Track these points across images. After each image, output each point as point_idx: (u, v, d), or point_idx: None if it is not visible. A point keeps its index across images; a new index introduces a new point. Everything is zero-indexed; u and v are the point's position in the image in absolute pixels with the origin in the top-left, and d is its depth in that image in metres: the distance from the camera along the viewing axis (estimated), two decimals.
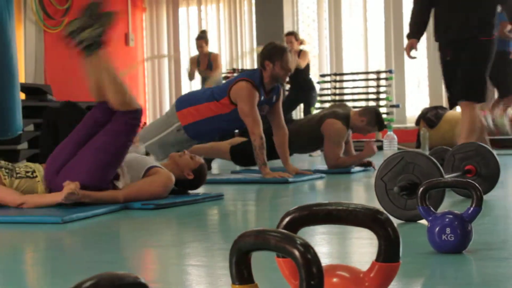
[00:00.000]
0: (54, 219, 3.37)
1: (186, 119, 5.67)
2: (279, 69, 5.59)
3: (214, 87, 6.07)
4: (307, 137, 6.36)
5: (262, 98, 5.60)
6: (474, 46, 5.14)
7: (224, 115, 5.62)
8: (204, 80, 10.18)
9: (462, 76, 5.11)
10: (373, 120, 6.38)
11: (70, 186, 3.67)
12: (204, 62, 10.23)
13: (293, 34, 9.87)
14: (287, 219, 1.21)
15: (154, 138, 5.73)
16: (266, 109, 5.69)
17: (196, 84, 11.27)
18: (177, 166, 4.34)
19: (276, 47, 5.68)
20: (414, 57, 5.55)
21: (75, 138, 3.95)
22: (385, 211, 3.02)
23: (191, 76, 10.48)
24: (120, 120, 3.93)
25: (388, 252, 1.17)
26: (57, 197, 3.71)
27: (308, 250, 1.00)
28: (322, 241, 2.74)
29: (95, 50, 3.92)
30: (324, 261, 2.32)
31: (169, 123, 5.76)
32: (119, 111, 3.93)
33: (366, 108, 6.67)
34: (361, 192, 5.02)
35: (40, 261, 2.62)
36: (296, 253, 1.00)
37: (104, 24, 3.92)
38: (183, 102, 5.83)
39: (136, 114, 3.97)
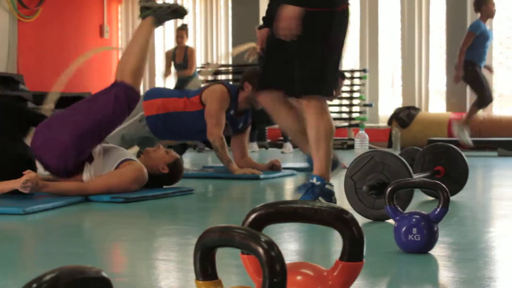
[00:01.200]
0: (16, 210, 3.34)
1: (150, 109, 5.59)
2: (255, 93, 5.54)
3: (187, 90, 6.05)
4: None
5: (232, 112, 5.57)
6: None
7: (188, 113, 5.54)
8: (180, 82, 10.09)
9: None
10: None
11: (29, 174, 3.64)
12: (180, 56, 10.19)
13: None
14: (252, 216, 1.22)
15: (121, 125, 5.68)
16: (229, 130, 5.64)
17: (170, 84, 11.22)
18: (151, 160, 4.31)
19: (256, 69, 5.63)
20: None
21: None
22: (350, 211, 3.05)
23: (166, 72, 10.41)
24: (112, 92, 4.04)
25: (352, 251, 1.18)
26: (15, 184, 3.68)
27: (272, 248, 1.01)
28: (290, 238, 2.75)
29: (149, 16, 4.27)
30: (292, 258, 2.33)
31: (133, 112, 5.69)
32: (117, 82, 4.08)
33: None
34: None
35: (0, 253, 2.60)
36: (260, 250, 1.00)
37: (175, 11, 4.37)
38: (152, 93, 5.80)
39: (130, 92, 4.07)
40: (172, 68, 10.41)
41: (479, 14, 8.46)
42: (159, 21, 4.36)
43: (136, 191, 4.07)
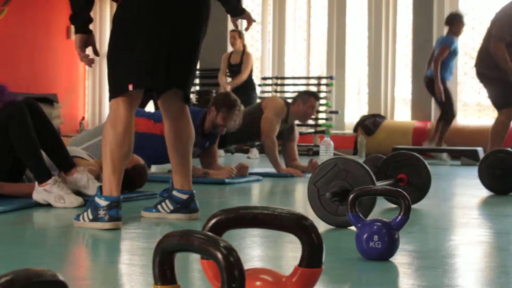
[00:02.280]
0: None
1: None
2: (220, 119, 5.53)
3: (155, 112, 6.01)
4: (249, 118, 6.25)
5: (199, 136, 5.56)
6: None
7: (154, 136, 5.53)
8: None
9: None
10: (305, 96, 6.43)
11: None
12: None
13: (236, 31, 9.89)
14: (213, 221, 1.22)
15: (85, 143, 5.62)
16: (197, 152, 5.63)
17: None
18: None
19: (229, 100, 5.59)
20: None
21: None
22: (312, 217, 3.05)
23: None
24: None
25: (311, 257, 1.19)
26: None
27: (231, 253, 1.01)
28: (252, 243, 2.75)
29: None
30: (253, 264, 2.33)
31: (102, 130, 5.66)
32: None
33: (299, 94, 6.65)
34: (295, 196, 5.05)
35: None
36: (219, 255, 1.01)
37: None
38: None
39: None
40: None
41: (446, 28, 8.62)
42: None
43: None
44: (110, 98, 3.21)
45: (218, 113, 5.54)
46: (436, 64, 8.40)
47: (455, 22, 8.53)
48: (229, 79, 9.78)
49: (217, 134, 5.75)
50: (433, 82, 8.47)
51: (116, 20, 3.26)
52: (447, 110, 8.60)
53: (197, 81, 11.68)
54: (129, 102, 3.17)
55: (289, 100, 6.63)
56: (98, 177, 4.18)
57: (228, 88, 9.53)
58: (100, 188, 3.14)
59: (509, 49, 6.50)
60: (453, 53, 8.54)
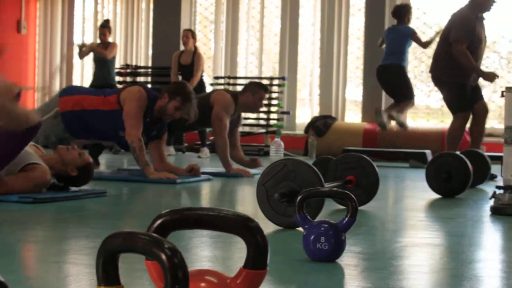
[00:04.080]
0: None
1: (65, 105, 5.49)
2: (171, 108, 5.49)
3: (107, 90, 5.96)
4: (199, 109, 6.22)
5: (147, 119, 5.54)
6: None
7: (103, 112, 5.45)
8: (98, 62, 10.01)
9: None
10: (254, 88, 6.43)
11: None
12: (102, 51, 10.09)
13: (190, 31, 9.85)
14: (158, 222, 1.22)
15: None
16: (143, 139, 5.55)
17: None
18: (62, 160, 4.23)
19: (184, 91, 5.53)
20: None
21: None
22: (261, 218, 3.06)
23: (82, 54, 10.25)
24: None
25: (256, 259, 1.19)
26: None
27: (175, 254, 1.01)
28: (200, 244, 2.75)
29: None
30: (200, 265, 2.33)
31: (48, 108, 5.59)
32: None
33: (248, 84, 6.64)
34: (245, 196, 5.06)
35: None
36: (163, 256, 1.01)
37: None
38: (69, 90, 5.74)
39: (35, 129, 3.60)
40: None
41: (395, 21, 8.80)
42: None
43: (45, 192, 4.00)
44: None
45: (170, 101, 5.49)
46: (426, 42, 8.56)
47: (406, 13, 8.69)
48: (180, 78, 9.74)
49: (164, 123, 5.70)
50: (387, 70, 8.49)
51: None
52: (405, 93, 8.63)
53: (149, 79, 11.62)
54: None
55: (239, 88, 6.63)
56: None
57: None
58: None
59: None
60: (410, 42, 8.67)
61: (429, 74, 7.19)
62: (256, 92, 6.37)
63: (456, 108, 6.83)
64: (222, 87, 11.12)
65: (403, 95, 8.48)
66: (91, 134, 5.67)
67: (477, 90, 6.86)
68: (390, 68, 8.49)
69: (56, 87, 12.91)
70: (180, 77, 9.71)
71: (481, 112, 6.80)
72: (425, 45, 8.55)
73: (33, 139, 3.78)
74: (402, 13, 8.68)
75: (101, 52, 9.85)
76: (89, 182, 4.42)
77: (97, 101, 5.50)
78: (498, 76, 6.83)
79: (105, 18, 12.55)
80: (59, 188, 4.24)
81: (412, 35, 8.49)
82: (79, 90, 5.77)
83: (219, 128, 6.23)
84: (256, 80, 7.47)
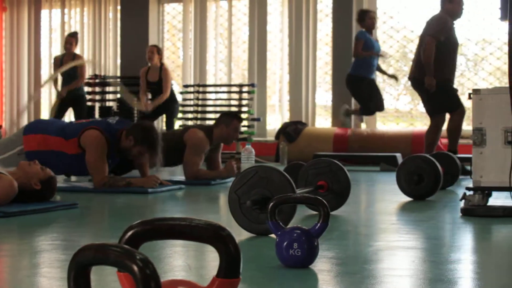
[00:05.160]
0: None
1: (30, 144, 5.48)
2: (136, 152, 5.50)
3: (67, 124, 5.89)
4: (172, 147, 6.25)
5: (110, 161, 5.57)
6: None
7: (67, 155, 5.47)
8: (65, 75, 9.91)
9: None
10: (227, 119, 6.43)
11: None
12: (67, 62, 10.01)
13: (155, 47, 9.82)
14: (129, 233, 1.21)
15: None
16: (110, 165, 5.58)
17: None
18: (25, 174, 4.18)
19: (151, 140, 5.49)
20: None
21: None
22: (233, 226, 3.06)
23: (60, 95, 10.16)
24: None
25: (229, 268, 1.19)
26: None
27: (147, 266, 1.01)
28: (173, 253, 2.73)
29: None
30: (173, 274, 2.32)
31: (13, 145, 5.56)
32: None
33: (221, 116, 6.65)
34: (217, 204, 5.05)
35: None
36: (135, 268, 1.00)
37: None
38: (32, 128, 5.65)
39: None
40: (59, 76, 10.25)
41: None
42: None
43: (12, 205, 3.96)
44: None
45: (136, 145, 5.47)
46: (357, 55, 8.70)
47: (364, 17, 8.86)
48: (149, 95, 9.72)
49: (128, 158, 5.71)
50: (352, 78, 8.66)
51: None
52: (368, 105, 8.73)
53: (118, 89, 11.57)
54: None
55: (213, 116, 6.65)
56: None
57: (149, 108, 9.44)
58: None
59: (446, 58, 6.76)
60: (371, 48, 8.75)
61: (398, 77, 7.30)
62: (229, 123, 6.38)
63: (431, 111, 6.95)
64: (191, 95, 11.10)
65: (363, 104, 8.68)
66: (57, 172, 5.65)
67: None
68: (350, 76, 8.75)
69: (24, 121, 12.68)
70: (149, 94, 9.69)
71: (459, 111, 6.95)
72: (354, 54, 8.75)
73: None
74: (358, 19, 8.91)
75: (69, 64, 9.78)
76: (61, 192, 4.38)
77: (61, 142, 5.48)
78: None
79: (73, 28, 12.49)
80: (19, 201, 4.16)
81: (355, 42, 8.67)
82: (43, 127, 5.65)
83: (190, 172, 6.27)
84: (227, 111, 7.44)
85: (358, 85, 8.84)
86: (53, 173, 4.36)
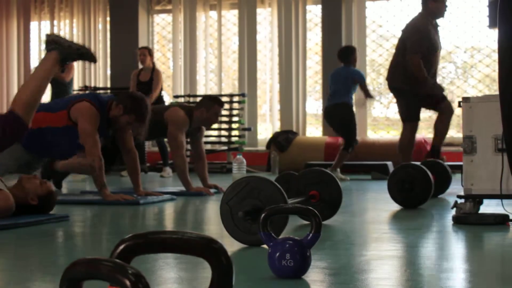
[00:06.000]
0: None
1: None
2: (124, 121, 5.48)
3: (54, 100, 5.90)
4: (152, 123, 6.26)
5: (110, 132, 5.56)
6: None
7: (57, 128, 5.42)
8: (55, 85, 9.84)
9: None
10: (209, 103, 6.46)
11: None
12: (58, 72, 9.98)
13: (146, 48, 9.81)
14: (121, 247, 1.21)
15: None
16: (101, 141, 5.52)
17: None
18: (22, 189, 4.17)
19: (141, 110, 5.49)
20: None
21: None
22: (226, 237, 3.05)
23: None
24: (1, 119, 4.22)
25: (221, 280, 1.18)
26: None
27: (139, 280, 1.00)
28: (166, 266, 2.73)
29: (54, 50, 4.41)
30: (167, 287, 2.31)
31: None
32: (9, 111, 4.25)
33: (203, 99, 6.67)
34: (209, 215, 5.05)
35: None
36: (127, 283, 1.00)
37: (82, 54, 4.50)
38: None
39: (18, 123, 4.18)
40: None
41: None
42: (64, 60, 4.41)
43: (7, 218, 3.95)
44: None
45: (124, 115, 5.45)
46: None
47: (350, 55, 8.58)
48: None
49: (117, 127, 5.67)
50: (334, 109, 8.42)
51: None
52: (348, 137, 8.56)
53: None
54: None
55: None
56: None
57: None
58: None
59: (424, 62, 6.72)
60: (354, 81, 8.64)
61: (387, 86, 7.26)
62: (210, 107, 6.39)
63: (404, 117, 6.93)
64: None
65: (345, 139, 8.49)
66: (50, 152, 5.62)
67: (434, 96, 6.94)
68: (330, 107, 8.51)
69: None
70: None
71: (447, 110, 6.89)
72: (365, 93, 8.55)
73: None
74: (344, 55, 8.59)
75: (58, 75, 9.74)
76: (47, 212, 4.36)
77: (48, 117, 5.43)
78: (445, 89, 6.96)
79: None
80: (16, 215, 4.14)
81: (360, 78, 8.48)
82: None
83: (175, 147, 6.27)
84: (213, 95, 7.41)
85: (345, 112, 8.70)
86: (53, 187, 4.35)
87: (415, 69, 6.69)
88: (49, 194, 4.26)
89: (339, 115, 8.39)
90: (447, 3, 6.95)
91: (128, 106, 5.45)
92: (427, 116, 9.78)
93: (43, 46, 4.42)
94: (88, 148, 5.33)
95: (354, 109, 8.47)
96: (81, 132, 5.34)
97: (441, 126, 6.91)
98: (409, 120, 6.89)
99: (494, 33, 6.69)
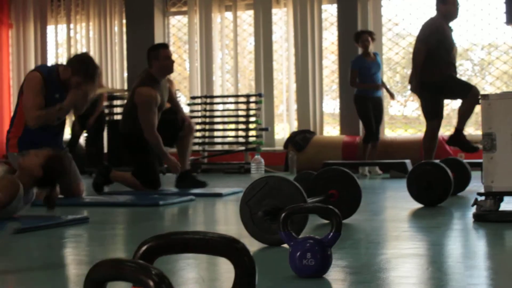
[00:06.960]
0: None
1: (16, 134, 5.62)
2: (74, 83, 5.51)
3: None
4: (126, 112, 6.51)
5: (57, 95, 5.57)
6: None
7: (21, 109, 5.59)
8: None
9: None
10: (154, 52, 6.57)
11: None
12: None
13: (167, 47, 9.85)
14: (143, 248, 1.21)
15: None
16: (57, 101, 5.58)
17: None
18: (23, 171, 4.14)
19: (88, 69, 5.54)
20: None
21: None
22: (246, 237, 3.05)
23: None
24: None
25: (244, 281, 1.18)
26: None
27: (162, 281, 1.00)
28: (186, 266, 2.73)
29: None
30: (188, 287, 2.31)
31: None
32: None
33: (147, 55, 6.70)
34: (228, 215, 5.05)
35: None
36: (151, 283, 1.00)
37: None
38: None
39: None
40: None
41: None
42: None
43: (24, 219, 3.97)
44: None
45: (73, 76, 5.53)
46: (352, 85, 8.81)
47: (357, 39, 8.98)
48: None
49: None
50: (357, 99, 8.78)
51: None
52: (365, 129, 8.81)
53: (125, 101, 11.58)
54: None
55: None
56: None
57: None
58: None
59: (438, 60, 6.76)
60: (367, 75, 8.79)
61: (405, 84, 7.28)
62: (158, 55, 6.52)
63: (429, 114, 6.94)
64: (199, 107, 11.12)
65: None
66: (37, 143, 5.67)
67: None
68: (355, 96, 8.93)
69: None
70: None
71: (473, 97, 6.87)
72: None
73: None
74: (355, 39, 9.02)
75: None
76: (72, 206, 4.37)
77: (20, 104, 5.60)
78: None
79: (78, 43, 12.54)
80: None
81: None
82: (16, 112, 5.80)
83: (146, 128, 6.39)
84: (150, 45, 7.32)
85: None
86: (50, 151, 4.27)
87: (417, 55, 6.81)
88: (48, 160, 4.17)
89: (356, 108, 8.74)
90: (458, 5, 6.96)
91: (75, 67, 5.54)
92: (445, 114, 9.73)
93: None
94: (28, 118, 5.47)
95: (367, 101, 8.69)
96: (23, 104, 5.50)
97: (464, 109, 6.90)
98: (433, 117, 6.90)
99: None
